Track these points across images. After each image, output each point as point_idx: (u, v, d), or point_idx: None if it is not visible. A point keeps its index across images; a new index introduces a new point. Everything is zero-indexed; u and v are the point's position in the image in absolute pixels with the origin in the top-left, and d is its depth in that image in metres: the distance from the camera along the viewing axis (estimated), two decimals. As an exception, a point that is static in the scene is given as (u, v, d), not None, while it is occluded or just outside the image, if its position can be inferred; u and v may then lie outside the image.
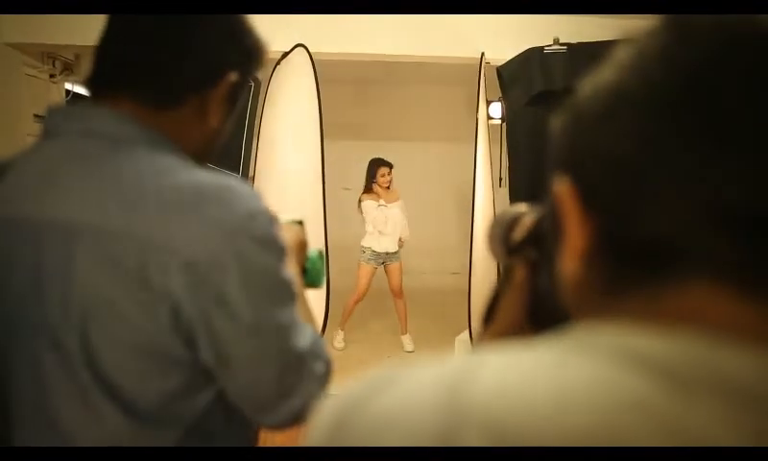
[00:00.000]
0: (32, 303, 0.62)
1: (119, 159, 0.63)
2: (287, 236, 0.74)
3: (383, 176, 4.01)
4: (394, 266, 4.05)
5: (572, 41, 2.91)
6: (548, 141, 0.36)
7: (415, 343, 4.08)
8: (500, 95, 3.15)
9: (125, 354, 0.62)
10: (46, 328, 0.62)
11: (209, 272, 0.59)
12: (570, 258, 0.33)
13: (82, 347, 0.61)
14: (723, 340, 0.26)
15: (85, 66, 0.84)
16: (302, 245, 0.89)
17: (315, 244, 0.94)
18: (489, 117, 3.23)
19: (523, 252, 0.57)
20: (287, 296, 0.66)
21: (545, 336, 0.31)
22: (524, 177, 2.97)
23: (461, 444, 0.26)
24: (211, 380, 0.66)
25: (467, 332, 3.15)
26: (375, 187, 4.02)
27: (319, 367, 0.70)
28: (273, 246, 0.64)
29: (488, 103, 3.17)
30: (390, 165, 4.05)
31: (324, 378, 0.71)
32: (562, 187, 0.33)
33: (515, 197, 3.04)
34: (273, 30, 1.05)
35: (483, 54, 3.06)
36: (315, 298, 1.14)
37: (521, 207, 0.61)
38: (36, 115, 3.23)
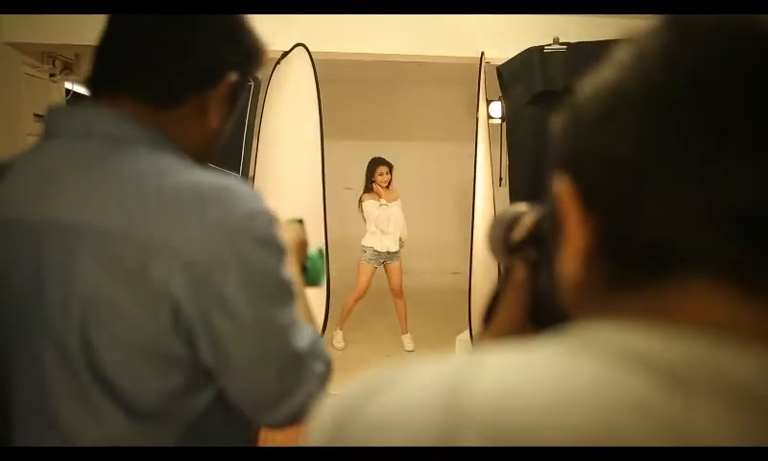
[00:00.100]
0: (32, 304, 0.62)
1: (119, 159, 0.63)
2: (287, 235, 0.74)
3: (381, 175, 4.01)
4: (394, 266, 4.05)
5: (572, 41, 2.91)
6: (548, 141, 0.36)
7: (415, 342, 4.08)
8: (500, 95, 3.15)
9: (125, 354, 0.62)
10: (46, 329, 0.62)
11: (209, 272, 0.60)
12: (570, 258, 0.33)
13: (82, 347, 0.61)
14: (723, 340, 0.26)
15: (85, 66, 0.84)
16: (303, 244, 0.89)
17: (315, 243, 0.94)
18: (489, 117, 3.23)
19: (523, 252, 0.57)
20: (287, 296, 0.66)
21: (545, 336, 0.31)
22: (524, 176, 2.97)
23: (461, 444, 0.26)
24: (211, 380, 0.66)
25: (467, 332, 3.15)
26: (375, 187, 4.03)
27: (318, 367, 0.70)
28: (272, 246, 0.64)
29: (488, 102, 3.17)
30: (388, 164, 4.05)
31: (324, 378, 0.71)
32: (562, 187, 0.33)
33: (515, 197, 3.04)
34: (273, 30, 1.05)
35: (483, 53, 3.06)
36: (315, 297, 1.14)
37: (521, 207, 0.60)
38: (36, 115, 3.23)
